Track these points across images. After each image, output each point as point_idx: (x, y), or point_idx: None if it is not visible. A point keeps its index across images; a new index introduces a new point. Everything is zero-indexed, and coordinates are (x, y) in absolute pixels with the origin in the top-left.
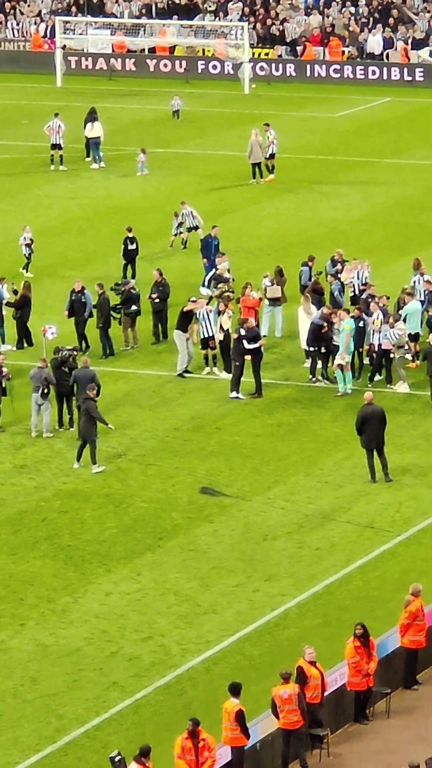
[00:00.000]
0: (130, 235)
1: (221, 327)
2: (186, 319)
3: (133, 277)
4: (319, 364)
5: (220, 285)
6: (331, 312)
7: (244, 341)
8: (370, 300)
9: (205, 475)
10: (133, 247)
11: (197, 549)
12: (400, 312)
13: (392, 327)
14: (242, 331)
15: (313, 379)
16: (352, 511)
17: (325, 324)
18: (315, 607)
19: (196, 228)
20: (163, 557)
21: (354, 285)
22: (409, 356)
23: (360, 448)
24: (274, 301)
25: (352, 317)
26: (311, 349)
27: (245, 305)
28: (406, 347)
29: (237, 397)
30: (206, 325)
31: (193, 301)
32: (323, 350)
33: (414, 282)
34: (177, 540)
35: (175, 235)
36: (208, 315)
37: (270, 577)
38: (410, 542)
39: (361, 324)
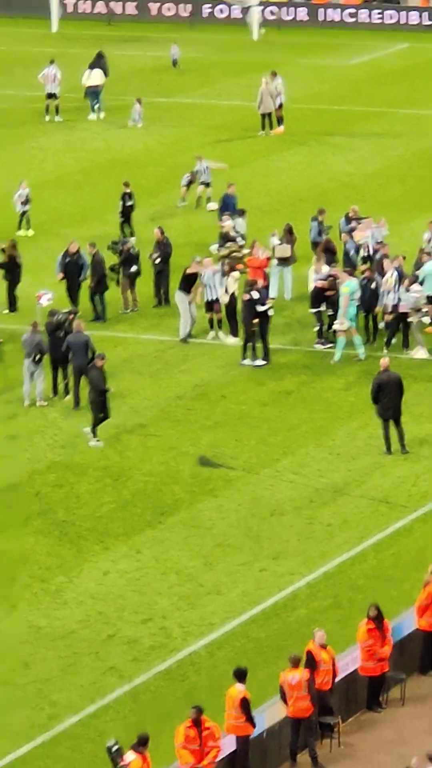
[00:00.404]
0: (128, 190)
1: (227, 289)
2: (189, 281)
3: (132, 235)
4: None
5: (228, 244)
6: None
7: (257, 305)
8: (384, 260)
9: (210, 447)
10: (131, 203)
11: (200, 525)
12: (417, 273)
13: (408, 289)
14: (254, 294)
15: (319, 341)
16: (365, 484)
17: (327, 283)
18: (326, 587)
19: (208, 184)
20: (164, 534)
21: (368, 245)
22: (426, 319)
23: (375, 417)
24: (283, 261)
25: (361, 279)
26: (313, 310)
27: (252, 265)
28: (424, 310)
29: (253, 365)
30: (211, 287)
31: (198, 262)
32: (330, 312)
33: (428, 240)
34: (179, 516)
35: (186, 188)
36: (213, 276)
37: (278, 555)
38: (428, 518)
39: (373, 286)
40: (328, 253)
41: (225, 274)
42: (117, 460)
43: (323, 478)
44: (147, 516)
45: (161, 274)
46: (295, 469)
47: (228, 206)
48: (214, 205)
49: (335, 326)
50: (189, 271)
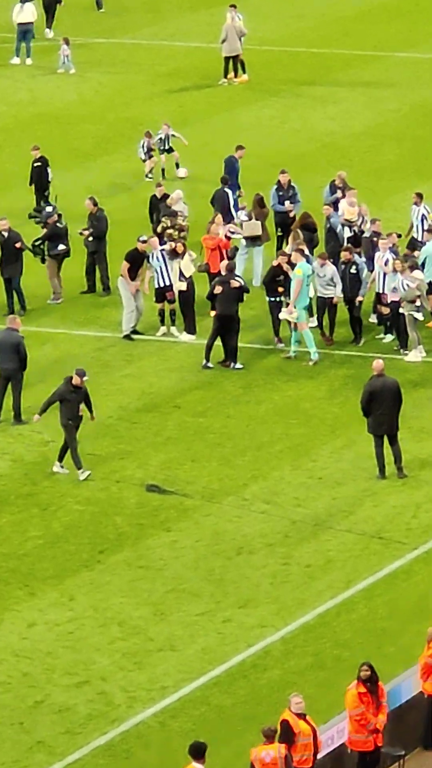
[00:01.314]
0: (37, 155)
1: (182, 273)
2: (135, 264)
3: (50, 204)
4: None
5: (163, 218)
6: (348, 253)
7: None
8: (375, 238)
9: (160, 469)
10: (47, 172)
11: (150, 566)
12: (415, 254)
13: (403, 274)
14: (238, 280)
15: (277, 340)
16: (354, 516)
17: (283, 260)
18: (305, 643)
19: (170, 150)
20: (104, 576)
21: (358, 222)
22: (420, 315)
23: (366, 433)
24: (253, 240)
25: (340, 262)
26: (270, 299)
27: (208, 246)
28: (418, 303)
29: (208, 367)
30: (162, 271)
31: (143, 241)
32: (279, 299)
33: (419, 216)
34: (123, 554)
35: (145, 160)
36: (164, 258)
37: (246, 603)
38: (430, 557)
39: (354, 270)
40: (306, 231)
41: (176, 255)
42: (45, 486)
43: (301, 508)
44: (83, 554)
45: (96, 255)
46: (267, 496)
47: (233, 171)
48: (184, 172)
49: (281, 315)
50: (134, 250)
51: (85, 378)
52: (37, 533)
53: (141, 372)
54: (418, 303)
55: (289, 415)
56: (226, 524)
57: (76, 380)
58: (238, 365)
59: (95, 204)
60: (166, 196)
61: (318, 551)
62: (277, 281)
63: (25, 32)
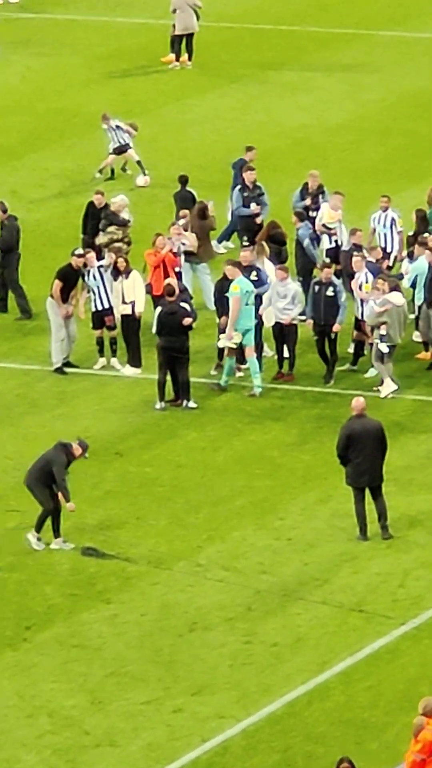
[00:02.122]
0: None
1: (123, 295)
2: (68, 283)
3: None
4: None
5: (110, 229)
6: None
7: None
8: (354, 252)
9: (99, 529)
10: None
11: (86, 645)
12: (402, 271)
13: (384, 292)
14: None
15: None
16: (329, 585)
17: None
18: (271, 737)
19: (125, 148)
20: (32, 657)
21: (340, 232)
22: (384, 346)
23: (344, 485)
24: (189, 256)
25: (314, 281)
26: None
27: (151, 263)
28: (383, 331)
29: (162, 408)
30: (100, 292)
31: (79, 255)
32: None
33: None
34: (53, 630)
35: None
36: (102, 276)
37: (200, 690)
38: (420, 635)
39: (330, 292)
40: (274, 243)
41: (119, 272)
42: None
43: (267, 576)
44: (5, 631)
45: (5, 272)
46: (226, 561)
47: (238, 170)
48: (144, 180)
49: (219, 342)
50: (66, 266)
51: (86, 455)
52: None
53: (75, 412)
54: (383, 330)
55: (252, 464)
56: (176, 595)
57: (77, 452)
58: (192, 404)
59: (4, 211)
60: (106, 207)
61: (286, 627)
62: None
63: None
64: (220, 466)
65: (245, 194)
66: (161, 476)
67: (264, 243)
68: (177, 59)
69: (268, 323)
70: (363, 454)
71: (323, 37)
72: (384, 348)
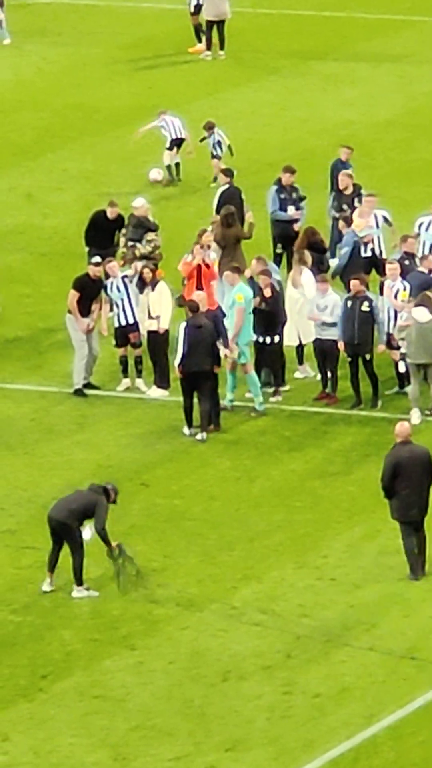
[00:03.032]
0: None
1: (149, 310)
2: (86, 294)
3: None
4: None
5: (150, 236)
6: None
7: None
8: (407, 261)
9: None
10: None
11: (108, 695)
12: None
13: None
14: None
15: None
16: (377, 629)
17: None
18: None
19: (179, 143)
20: (49, 709)
21: (376, 240)
22: (402, 366)
23: (390, 519)
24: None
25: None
26: (258, 340)
27: (190, 274)
28: (403, 349)
29: (201, 438)
30: (124, 306)
31: (97, 263)
32: (264, 340)
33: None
34: (72, 680)
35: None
36: (126, 287)
37: (234, 745)
38: None
39: (365, 307)
40: (313, 251)
41: (145, 283)
42: None
43: (308, 619)
44: (19, 680)
45: None
46: (263, 604)
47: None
48: (158, 174)
49: (227, 353)
50: (84, 276)
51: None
52: None
53: (97, 439)
54: (403, 348)
55: (291, 495)
56: (208, 640)
57: (111, 496)
58: (199, 436)
59: None
60: (120, 219)
61: (330, 676)
62: (266, 314)
63: None
64: (256, 498)
65: (282, 196)
66: (191, 509)
67: (305, 251)
68: (208, 48)
69: (305, 339)
70: (411, 485)
71: (370, 24)
72: (401, 367)
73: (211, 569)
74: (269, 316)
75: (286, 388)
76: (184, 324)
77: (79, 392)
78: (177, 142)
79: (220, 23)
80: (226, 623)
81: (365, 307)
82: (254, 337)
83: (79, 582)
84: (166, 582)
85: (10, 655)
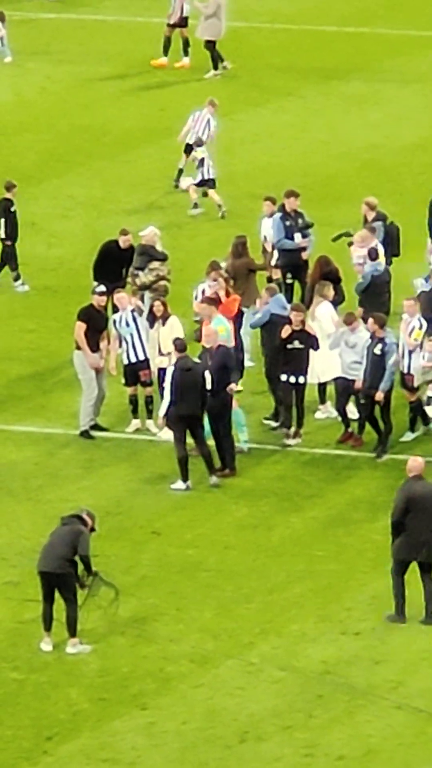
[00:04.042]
0: (10, 195)
1: (160, 345)
2: (93, 326)
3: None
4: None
5: (154, 265)
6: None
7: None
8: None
9: (132, 621)
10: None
11: (117, 758)
12: None
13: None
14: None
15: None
16: (405, 687)
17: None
18: None
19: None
20: None
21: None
22: (430, 410)
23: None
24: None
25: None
26: (282, 380)
27: (208, 303)
28: (430, 392)
29: (214, 483)
30: (134, 341)
31: (101, 293)
32: (296, 380)
33: None
34: (79, 741)
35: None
36: (136, 322)
37: None
38: None
39: (378, 350)
40: (330, 281)
41: (155, 317)
42: None
43: (331, 676)
44: (23, 742)
45: None
46: (283, 659)
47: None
48: (189, 182)
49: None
50: (89, 307)
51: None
52: None
53: (105, 484)
54: (429, 391)
55: (312, 544)
56: (224, 699)
57: (89, 522)
58: (212, 480)
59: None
60: (131, 249)
61: (354, 737)
62: (288, 351)
63: None
64: (275, 547)
65: (287, 223)
66: (206, 559)
67: (325, 283)
68: (215, 67)
69: (325, 377)
70: (423, 523)
71: (395, 41)
72: (430, 411)
73: (227, 623)
74: (301, 353)
75: (276, 423)
76: (171, 368)
77: (85, 434)
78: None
79: (213, 43)
80: (243, 681)
81: (377, 350)
82: (284, 377)
83: (73, 634)
84: (179, 637)
85: (12, 716)
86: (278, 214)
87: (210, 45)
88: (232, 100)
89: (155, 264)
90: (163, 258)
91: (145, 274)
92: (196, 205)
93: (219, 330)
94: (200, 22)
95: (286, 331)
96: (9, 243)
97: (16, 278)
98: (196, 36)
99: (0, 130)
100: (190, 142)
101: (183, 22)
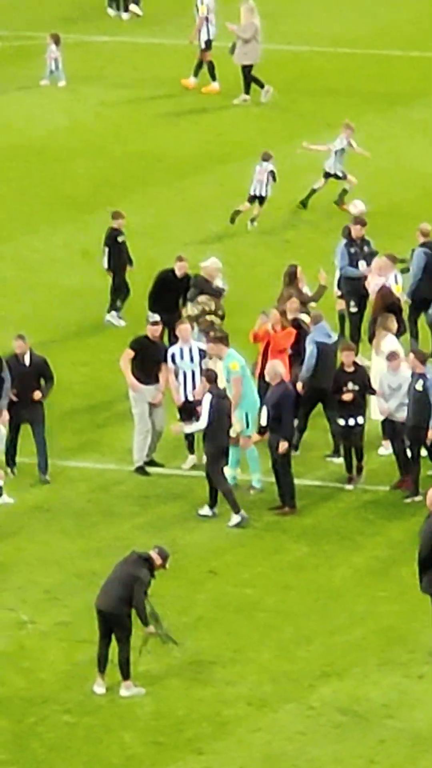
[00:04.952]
0: (116, 225)
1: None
2: (146, 358)
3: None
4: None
5: (201, 298)
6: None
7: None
8: None
9: (187, 663)
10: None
11: None
12: None
13: None
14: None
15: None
16: None
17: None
18: None
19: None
20: None
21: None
22: None
23: None
24: None
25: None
26: (339, 420)
27: (264, 339)
28: None
29: (239, 523)
30: (194, 377)
31: (154, 322)
32: (355, 422)
33: None
34: None
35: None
36: (201, 358)
37: None
38: None
39: (420, 386)
40: (391, 313)
41: (209, 354)
42: (20, 688)
43: (393, 720)
44: None
45: None
46: (344, 703)
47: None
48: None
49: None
50: (142, 340)
51: (166, 566)
52: (7, 756)
53: (160, 522)
54: None
55: (375, 584)
56: (283, 744)
57: (157, 562)
58: (233, 519)
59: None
60: (186, 278)
61: None
62: (343, 390)
63: None
64: (336, 587)
65: (352, 250)
66: (264, 600)
67: (388, 315)
68: (247, 91)
69: (375, 416)
70: None
71: None
72: None
73: (286, 665)
74: (356, 395)
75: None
76: (209, 396)
77: (140, 470)
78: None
79: (248, 69)
80: (302, 725)
81: (419, 386)
82: (341, 422)
83: (126, 676)
84: (236, 680)
85: (64, 760)
86: (343, 241)
87: (246, 70)
88: (292, 125)
89: (203, 298)
90: (214, 292)
91: (192, 306)
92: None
93: (231, 366)
94: (238, 47)
95: (347, 396)
96: (112, 274)
97: (113, 309)
98: (235, 62)
99: (54, 155)
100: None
101: (206, 46)
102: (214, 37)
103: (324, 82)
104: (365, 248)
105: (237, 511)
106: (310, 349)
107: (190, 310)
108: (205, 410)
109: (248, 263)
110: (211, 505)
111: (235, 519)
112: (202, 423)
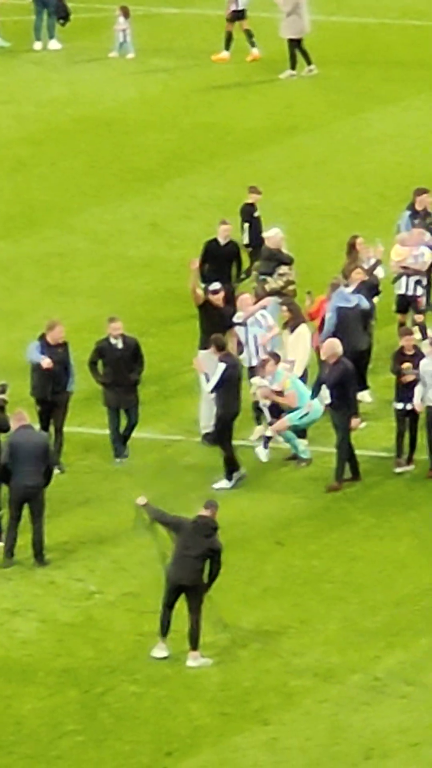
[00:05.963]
0: (252, 200)
1: (286, 352)
2: (216, 324)
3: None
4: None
5: (282, 269)
6: None
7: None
8: None
9: (255, 634)
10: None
11: None
12: None
13: None
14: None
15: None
16: None
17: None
18: None
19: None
20: None
21: (403, 282)
22: None
23: None
24: None
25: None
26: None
27: (320, 315)
28: None
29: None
30: (256, 344)
31: (214, 291)
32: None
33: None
34: (200, 757)
35: None
36: (257, 325)
37: None
38: None
39: None
40: None
41: (285, 324)
42: (88, 658)
43: None
44: (141, 758)
45: None
46: (410, 674)
47: None
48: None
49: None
50: (204, 302)
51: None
52: (75, 726)
53: (227, 493)
54: None
55: None
56: (349, 715)
57: (204, 513)
58: (221, 482)
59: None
60: (230, 244)
61: None
62: (401, 374)
63: (44, 2)
64: (402, 558)
65: (415, 221)
66: (331, 571)
67: None
68: (293, 67)
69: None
70: None
71: None
72: None
73: (352, 636)
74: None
75: None
76: (222, 365)
77: (207, 438)
78: None
79: (297, 42)
80: (368, 696)
81: None
82: (398, 406)
83: (195, 647)
84: (302, 651)
85: (131, 730)
86: (407, 212)
87: (293, 43)
88: (361, 98)
89: (284, 269)
90: (290, 262)
91: (275, 279)
92: None
93: (284, 383)
94: (282, 20)
95: (406, 378)
96: (251, 250)
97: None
98: (280, 35)
99: (123, 128)
100: None
101: (239, 15)
102: (246, 6)
103: (391, 54)
104: (428, 219)
105: (229, 479)
106: (329, 315)
107: (274, 283)
108: (215, 377)
109: (316, 236)
110: (229, 476)
111: (222, 483)
112: (209, 387)
